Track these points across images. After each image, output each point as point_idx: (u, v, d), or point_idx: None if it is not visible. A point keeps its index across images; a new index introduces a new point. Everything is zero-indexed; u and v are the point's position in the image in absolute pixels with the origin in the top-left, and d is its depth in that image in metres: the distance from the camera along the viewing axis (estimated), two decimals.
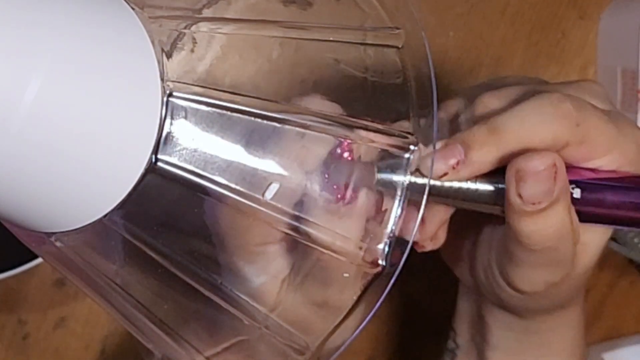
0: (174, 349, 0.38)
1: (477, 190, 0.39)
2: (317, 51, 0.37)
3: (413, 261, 0.36)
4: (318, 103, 0.36)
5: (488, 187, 0.39)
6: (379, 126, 0.36)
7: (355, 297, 0.36)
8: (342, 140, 0.35)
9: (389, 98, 0.37)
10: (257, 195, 0.34)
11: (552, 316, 0.44)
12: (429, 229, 0.39)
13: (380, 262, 0.36)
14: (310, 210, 0.35)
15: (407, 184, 0.36)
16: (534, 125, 0.38)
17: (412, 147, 0.36)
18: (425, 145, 0.37)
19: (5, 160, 0.30)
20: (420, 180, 0.37)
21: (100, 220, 0.32)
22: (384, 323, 0.61)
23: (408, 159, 0.36)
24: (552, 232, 0.38)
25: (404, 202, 0.36)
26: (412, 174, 0.37)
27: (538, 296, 0.41)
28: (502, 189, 0.38)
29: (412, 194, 0.36)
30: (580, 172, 0.40)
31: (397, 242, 0.36)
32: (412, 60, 0.37)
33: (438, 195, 0.38)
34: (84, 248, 0.35)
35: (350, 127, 0.36)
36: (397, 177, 0.36)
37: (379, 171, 0.36)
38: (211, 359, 0.38)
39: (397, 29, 0.37)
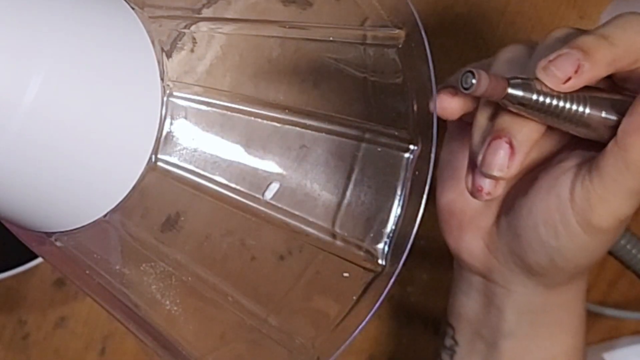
0: (175, 348, 0.38)
1: (577, 110, 0.39)
2: (317, 51, 0.37)
3: (412, 262, 0.36)
4: None
5: (589, 109, 0.39)
6: (379, 127, 0.36)
7: (355, 297, 0.36)
8: None
9: (389, 98, 0.37)
10: (257, 195, 0.34)
11: (567, 288, 0.45)
12: (519, 156, 0.39)
13: (380, 262, 0.36)
14: (309, 210, 0.35)
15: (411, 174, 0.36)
16: (636, 31, 0.40)
17: (412, 147, 0.36)
18: (424, 144, 0.37)
19: (5, 160, 0.30)
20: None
21: (100, 220, 0.32)
22: (384, 323, 0.61)
23: (408, 159, 0.36)
24: None
25: (404, 201, 0.36)
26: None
27: (604, 235, 0.41)
28: (613, 108, 0.40)
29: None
30: None
31: (397, 242, 0.36)
32: (412, 60, 0.37)
33: (538, 110, 0.38)
34: (84, 248, 0.35)
35: (350, 127, 0.36)
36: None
37: None
38: (212, 358, 0.38)
39: (397, 28, 0.37)
